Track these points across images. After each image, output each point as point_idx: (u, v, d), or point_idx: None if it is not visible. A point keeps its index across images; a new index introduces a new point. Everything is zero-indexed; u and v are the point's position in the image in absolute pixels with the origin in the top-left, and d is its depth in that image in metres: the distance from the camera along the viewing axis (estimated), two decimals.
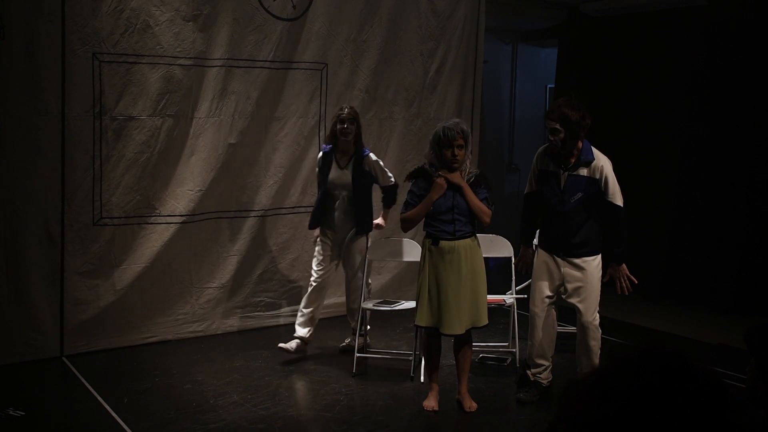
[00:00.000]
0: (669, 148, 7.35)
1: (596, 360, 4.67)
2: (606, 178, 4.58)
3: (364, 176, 5.39)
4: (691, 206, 7.17)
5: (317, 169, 5.56)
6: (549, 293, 4.72)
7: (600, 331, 4.68)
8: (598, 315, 4.68)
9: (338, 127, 5.32)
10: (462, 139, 4.44)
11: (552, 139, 4.55)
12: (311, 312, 5.45)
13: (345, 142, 5.35)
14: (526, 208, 4.92)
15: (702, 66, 7.06)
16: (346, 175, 5.36)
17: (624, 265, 4.71)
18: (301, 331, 5.44)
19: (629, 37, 7.73)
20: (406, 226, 4.68)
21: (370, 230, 5.51)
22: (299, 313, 5.50)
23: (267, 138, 6.13)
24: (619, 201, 4.61)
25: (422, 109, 6.93)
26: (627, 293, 4.76)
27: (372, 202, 5.53)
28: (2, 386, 4.85)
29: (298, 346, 5.40)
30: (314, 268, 5.47)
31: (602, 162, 4.60)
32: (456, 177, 4.48)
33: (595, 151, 4.63)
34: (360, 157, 5.38)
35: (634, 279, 4.72)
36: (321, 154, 5.53)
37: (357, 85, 6.52)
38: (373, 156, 5.43)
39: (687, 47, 7.18)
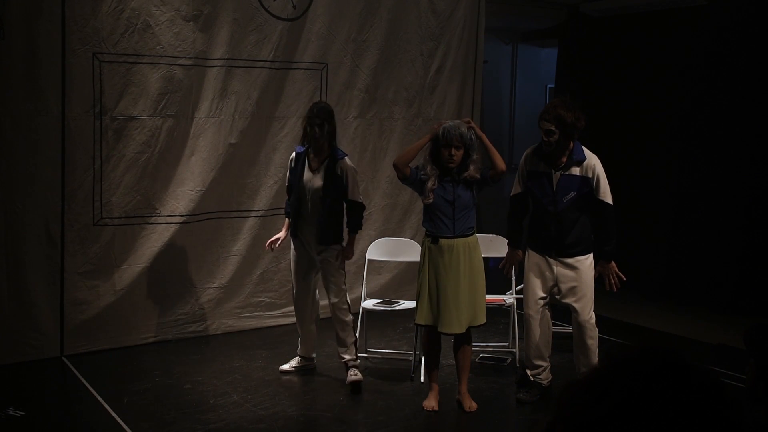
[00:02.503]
0: (668, 148, 7.34)
1: (594, 358, 4.68)
2: (598, 176, 4.59)
3: (336, 181, 4.90)
4: (691, 206, 7.17)
5: (288, 172, 5.16)
6: (542, 294, 4.71)
7: (597, 329, 4.69)
8: (594, 314, 4.68)
9: (312, 131, 4.88)
10: (459, 142, 4.46)
11: (546, 140, 4.53)
12: (309, 328, 5.21)
13: (317, 143, 4.90)
14: (512, 209, 4.88)
15: (702, 66, 7.05)
16: (318, 180, 4.92)
17: (613, 262, 4.70)
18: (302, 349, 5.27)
19: (629, 37, 7.73)
20: (397, 158, 4.67)
21: (340, 240, 5.02)
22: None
23: (267, 138, 6.13)
24: (609, 199, 4.62)
25: (422, 109, 6.93)
26: (615, 290, 4.76)
27: (343, 216, 5.05)
28: (2, 386, 4.86)
29: (298, 363, 5.26)
30: (294, 278, 5.16)
31: (594, 161, 4.61)
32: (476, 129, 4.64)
33: (585, 150, 4.63)
34: (334, 160, 4.92)
35: (623, 276, 4.72)
36: (294, 155, 5.10)
37: (357, 85, 6.52)
38: (348, 161, 4.97)
39: (687, 47, 7.18)
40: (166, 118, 5.62)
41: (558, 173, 4.60)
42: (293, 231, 5.07)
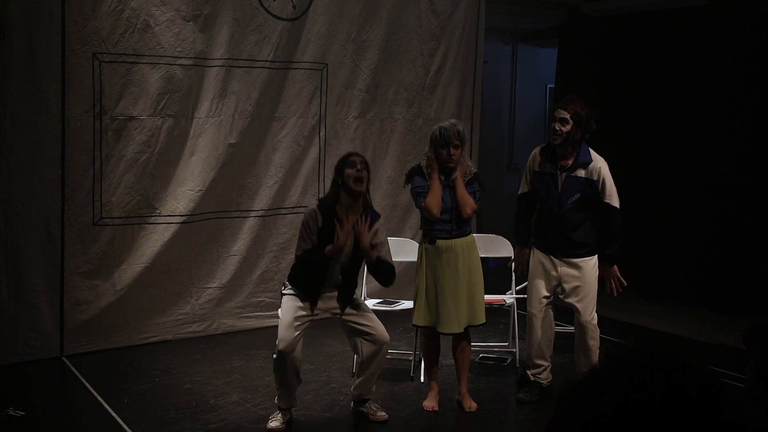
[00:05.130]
0: (669, 148, 7.34)
1: (595, 359, 4.68)
2: (603, 179, 4.56)
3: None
4: (691, 206, 7.16)
5: (306, 229, 4.29)
6: (546, 294, 4.71)
7: (598, 330, 4.68)
8: (596, 314, 4.68)
9: (349, 171, 4.24)
10: (458, 140, 4.45)
11: (558, 129, 4.49)
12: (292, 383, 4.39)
13: (356, 193, 4.27)
14: (519, 208, 4.89)
15: (702, 66, 7.05)
16: (350, 240, 4.31)
17: (615, 266, 4.68)
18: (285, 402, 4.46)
19: (629, 37, 7.73)
20: (436, 209, 4.43)
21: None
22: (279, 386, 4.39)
23: (267, 138, 6.13)
24: (615, 202, 4.60)
25: (422, 109, 6.93)
26: (615, 294, 4.75)
27: None
28: (2, 386, 4.85)
29: (284, 418, 4.43)
30: (288, 329, 4.22)
31: (600, 163, 4.58)
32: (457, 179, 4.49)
33: (592, 152, 4.62)
34: (372, 221, 4.33)
35: (624, 281, 4.70)
36: (318, 210, 4.30)
37: (357, 85, 6.52)
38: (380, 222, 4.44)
39: (687, 47, 7.18)
40: (166, 118, 5.62)
41: (563, 174, 4.60)
42: (307, 296, 4.35)
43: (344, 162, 4.32)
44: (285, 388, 4.35)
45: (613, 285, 4.70)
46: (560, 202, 4.61)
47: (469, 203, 4.48)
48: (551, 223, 4.67)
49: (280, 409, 4.42)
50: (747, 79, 6.75)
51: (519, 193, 4.89)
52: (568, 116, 4.48)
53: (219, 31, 5.76)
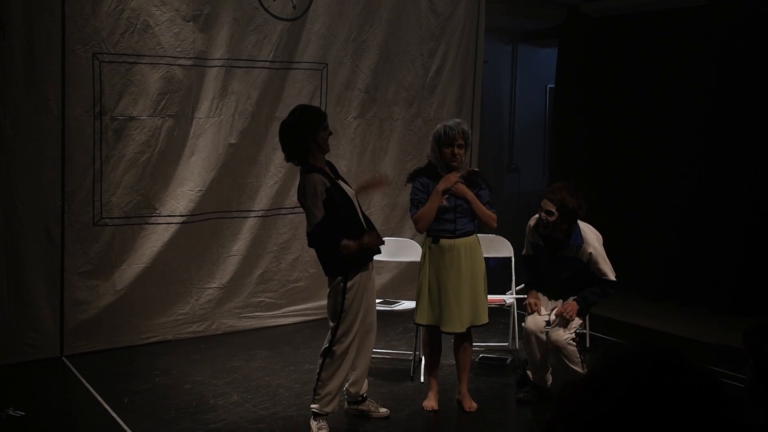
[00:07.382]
0: (669, 148, 7.34)
1: (578, 369, 4.57)
2: (596, 261, 4.61)
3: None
4: (692, 206, 7.16)
5: (320, 201, 4.06)
6: (545, 312, 4.76)
7: (573, 346, 4.56)
8: (574, 334, 4.60)
9: (323, 134, 4.20)
10: (462, 139, 4.44)
11: (544, 219, 4.56)
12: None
13: (327, 151, 4.31)
14: (525, 270, 5.00)
15: (702, 66, 7.05)
16: (347, 186, 4.34)
17: (578, 308, 4.59)
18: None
19: (629, 37, 7.73)
20: (423, 225, 4.50)
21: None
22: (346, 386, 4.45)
23: (267, 138, 6.13)
24: (611, 276, 4.65)
25: (422, 109, 6.93)
26: (556, 315, 4.64)
27: None
28: (2, 386, 4.86)
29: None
30: (359, 322, 4.25)
31: (590, 247, 4.61)
32: (462, 189, 4.45)
33: (584, 231, 4.62)
34: (330, 164, 4.40)
35: (574, 317, 4.58)
36: (315, 177, 4.11)
37: (357, 85, 6.52)
38: None
39: (687, 47, 7.18)
40: (166, 118, 5.62)
41: (555, 254, 4.67)
42: (366, 260, 4.26)
43: (317, 122, 4.17)
44: (336, 392, 4.25)
45: (567, 312, 4.57)
46: (552, 276, 4.75)
47: (492, 218, 4.54)
48: (548, 280, 4.81)
49: (324, 415, 4.26)
50: (748, 79, 6.74)
51: (522, 254, 4.99)
52: (553, 209, 4.53)
53: (219, 31, 5.76)
